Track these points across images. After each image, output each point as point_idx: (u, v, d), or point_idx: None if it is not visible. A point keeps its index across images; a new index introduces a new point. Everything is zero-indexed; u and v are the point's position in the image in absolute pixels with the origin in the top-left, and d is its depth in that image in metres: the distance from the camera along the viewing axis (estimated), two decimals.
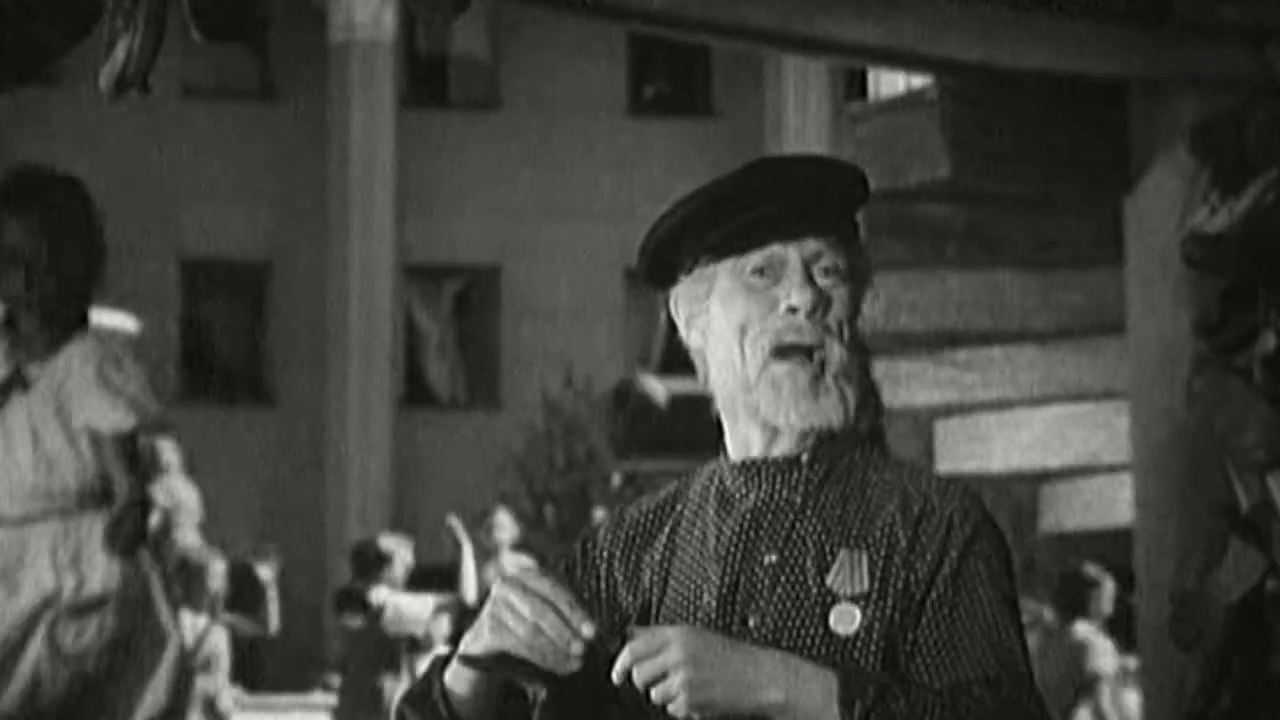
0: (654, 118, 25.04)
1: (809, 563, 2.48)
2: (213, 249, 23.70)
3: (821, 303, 2.52)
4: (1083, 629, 10.19)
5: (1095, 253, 7.18)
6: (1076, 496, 8.82)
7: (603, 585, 2.59)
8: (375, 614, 10.99)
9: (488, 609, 2.45)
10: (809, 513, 2.52)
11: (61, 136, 22.51)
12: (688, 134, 24.44)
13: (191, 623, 12.64)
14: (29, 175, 5.34)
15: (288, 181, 23.69)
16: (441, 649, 2.64)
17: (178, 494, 13.84)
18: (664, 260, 2.59)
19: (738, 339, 2.53)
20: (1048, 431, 8.17)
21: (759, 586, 2.49)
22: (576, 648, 2.38)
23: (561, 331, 23.97)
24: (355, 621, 11.15)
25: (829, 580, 2.47)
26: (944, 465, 8.21)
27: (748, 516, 2.53)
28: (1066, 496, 8.91)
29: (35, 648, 5.07)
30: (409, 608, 11.02)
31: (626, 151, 24.35)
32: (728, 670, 2.36)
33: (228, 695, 12.96)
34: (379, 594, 11.03)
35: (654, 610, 2.54)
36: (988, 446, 8.28)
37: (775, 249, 2.53)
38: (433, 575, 13.04)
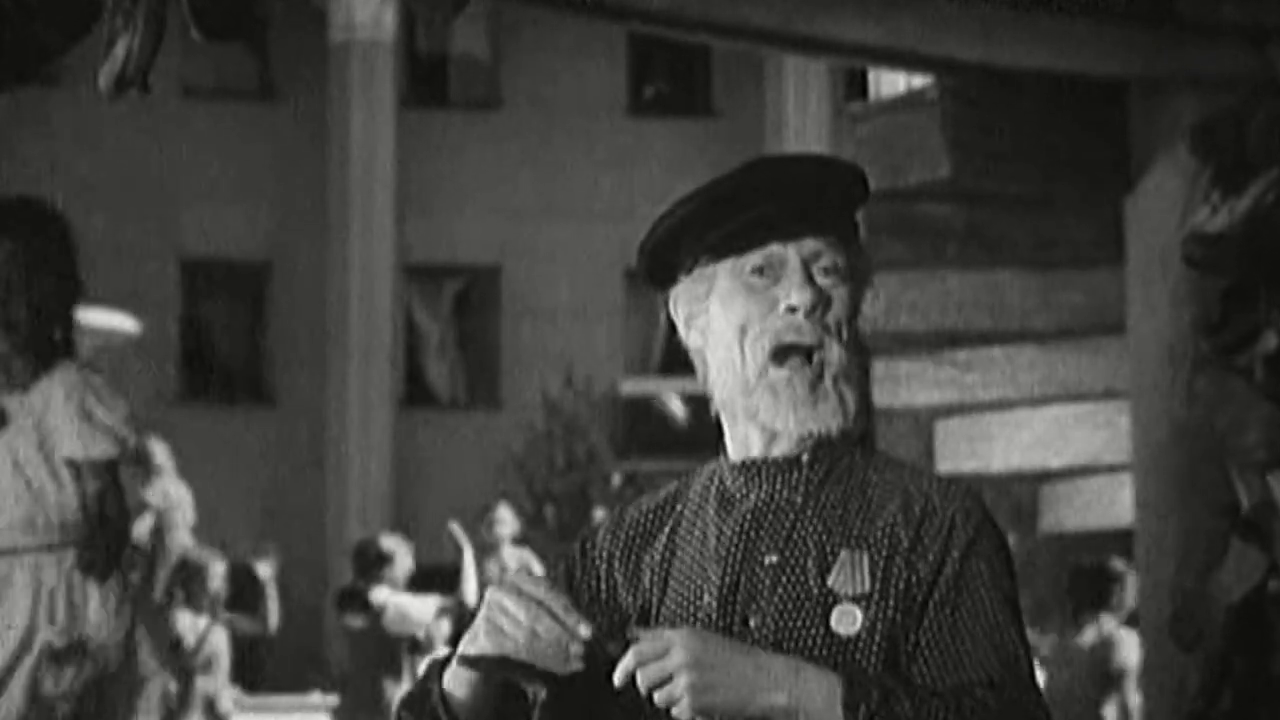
0: (654, 118, 25.03)
1: (810, 563, 2.48)
2: (213, 249, 23.70)
3: (821, 302, 2.51)
4: (1107, 624, 10.18)
5: (1095, 253, 7.18)
6: (1077, 496, 8.82)
7: (602, 586, 2.59)
8: (376, 614, 10.98)
9: (482, 613, 2.44)
10: (809, 513, 2.51)
11: (61, 136, 22.50)
12: (688, 134, 24.43)
13: (192, 623, 12.64)
14: (4, 204, 5.32)
15: (288, 181, 23.68)
16: (441, 651, 2.64)
17: (171, 495, 13.86)
18: (663, 260, 2.59)
19: (737, 339, 2.52)
20: (1048, 431, 8.17)
21: (760, 587, 2.48)
22: (575, 649, 2.38)
23: (561, 331, 23.96)
24: (356, 621, 11.15)
25: (830, 581, 2.47)
26: (944, 465, 8.21)
27: (748, 517, 2.53)
28: (1067, 496, 8.91)
29: (17, 689, 5.05)
30: (411, 608, 11.01)
31: (626, 151, 24.34)
32: (732, 674, 2.36)
33: (228, 696, 12.96)
34: (380, 594, 11.03)
35: (654, 611, 2.54)
36: (988, 446, 8.28)
37: (775, 249, 2.52)
38: (434, 575, 13.03)
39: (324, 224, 23.47)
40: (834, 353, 2.51)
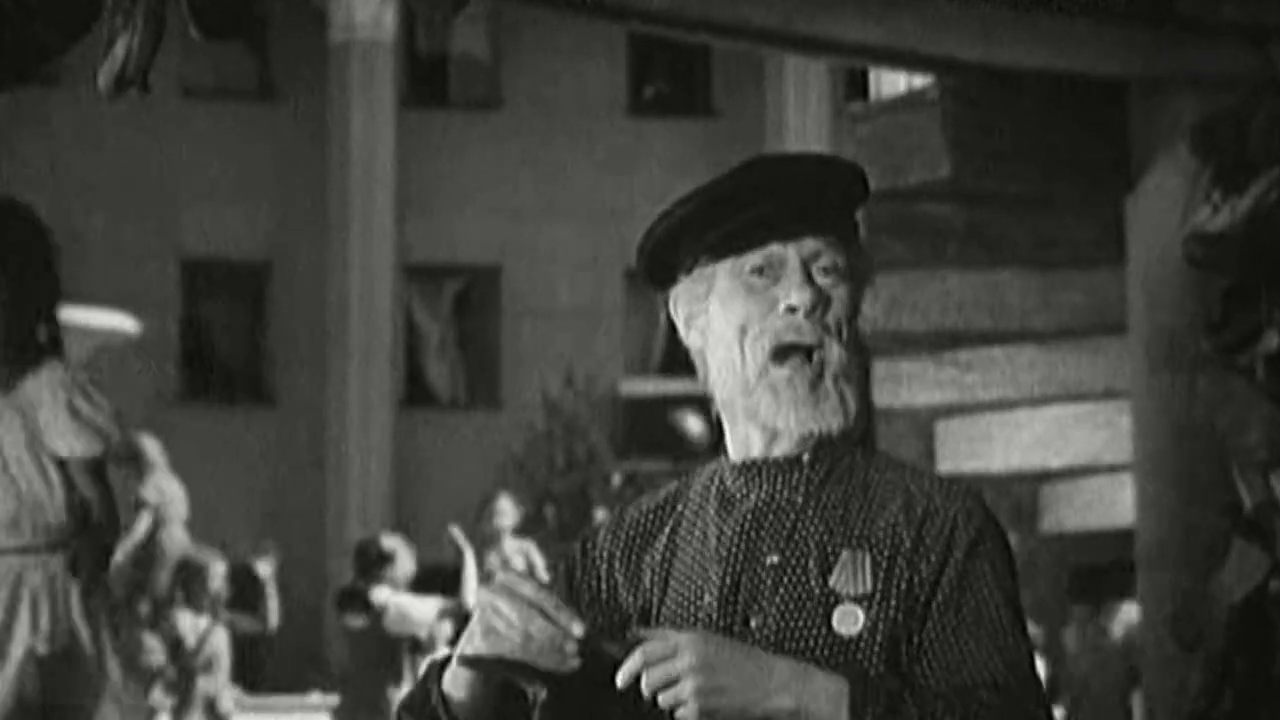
0: (654, 118, 25.03)
1: (811, 563, 2.47)
2: (213, 249, 23.69)
3: (821, 302, 2.51)
4: (1132, 613, 10.18)
5: (1096, 252, 7.18)
6: (1077, 496, 8.82)
7: (603, 586, 2.58)
8: (377, 614, 10.97)
9: (476, 615, 2.44)
10: (811, 513, 2.51)
11: (61, 136, 22.50)
12: (688, 134, 24.42)
13: (192, 624, 12.65)
14: None
15: (288, 181, 23.68)
16: (441, 652, 2.64)
17: (166, 491, 13.88)
18: (663, 261, 2.58)
19: (737, 339, 2.52)
20: (1048, 431, 8.17)
21: (761, 587, 2.48)
22: (570, 647, 2.37)
23: (561, 331, 23.96)
24: (357, 621, 11.14)
25: (831, 581, 2.46)
26: (945, 465, 8.21)
27: (749, 517, 2.52)
28: (1067, 496, 8.91)
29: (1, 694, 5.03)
30: (412, 609, 11.00)
31: (626, 151, 24.34)
32: (738, 677, 2.35)
33: (228, 696, 12.96)
34: (381, 594, 11.02)
35: (655, 611, 2.53)
36: (988, 446, 8.28)
37: (774, 248, 2.52)
38: (434, 575, 13.03)
39: (324, 224, 23.47)
40: (834, 352, 2.51)
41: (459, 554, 12.15)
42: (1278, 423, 4.91)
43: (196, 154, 23.33)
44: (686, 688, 2.34)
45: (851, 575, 2.46)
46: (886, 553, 2.47)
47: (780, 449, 2.53)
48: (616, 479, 22.09)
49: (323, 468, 23.15)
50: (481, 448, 22.59)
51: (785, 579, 2.47)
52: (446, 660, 2.52)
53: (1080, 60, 6.47)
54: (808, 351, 2.50)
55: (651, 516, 2.61)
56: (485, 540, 13.43)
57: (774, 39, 6.55)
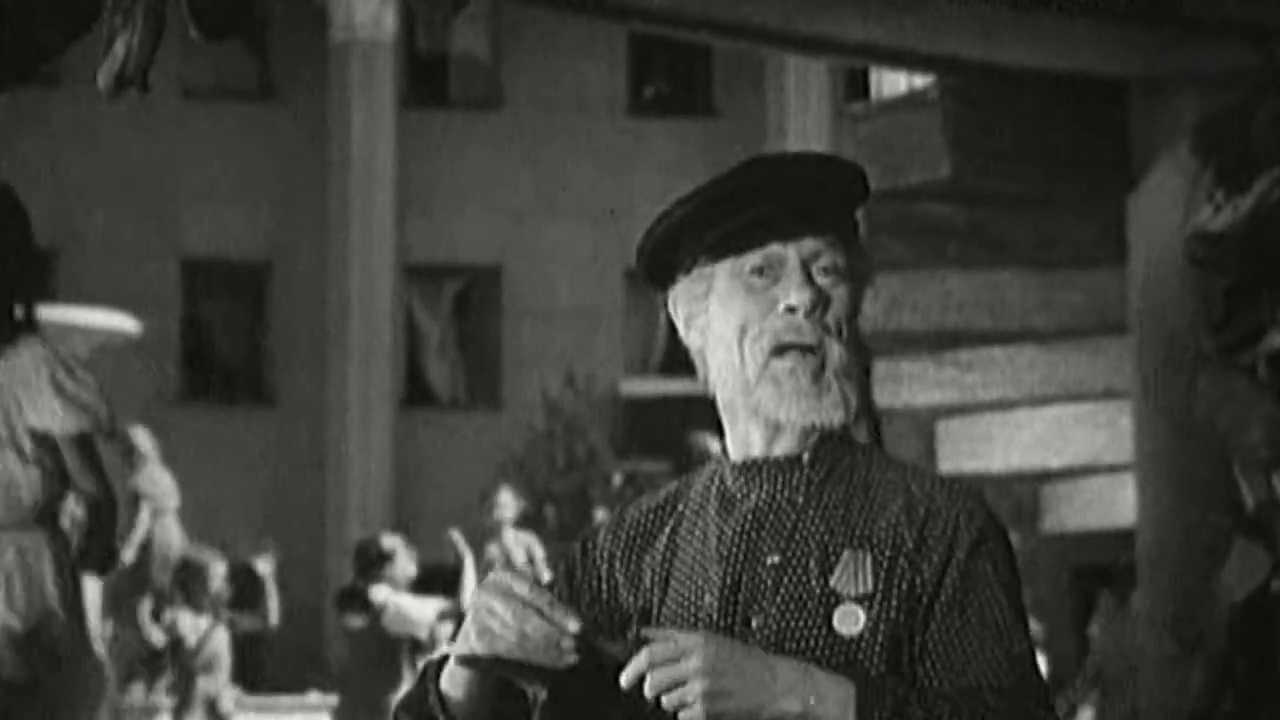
0: (654, 118, 25.03)
1: (812, 563, 2.47)
2: (213, 249, 23.70)
3: (820, 302, 2.50)
4: None
5: (1096, 252, 7.18)
6: (1078, 496, 8.82)
7: (603, 586, 2.58)
8: (376, 613, 10.97)
9: (470, 615, 2.43)
10: (811, 513, 2.50)
11: (61, 136, 22.50)
12: (688, 134, 24.42)
13: (193, 624, 12.65)
14: None
15: (288, 181, 23.68)
16: (438, 652, 2.63)
17: (159, 482, 13.90)
18: (662, 261, 2.58)
19: (737, 339, 2.51)
20: (1049, 431, 8.17)
21: (761, 587, 2.47)
22: (566, 643, 2.37)
23: (561, 331, 23.96)
24: (356, 621, 11.13)
25: (832, 581, 2.46)
26: (945, 465, 8.21)
27: (749, 517, 2.52)
28: (1068, 496, 8.91)
29: None
30: (411, 609, 11.00)
31: (626, 151, 24.34)
32: (745, 680, 2.35)
33: (229, 696, 12.96)
34: (380, 593, 11.01)
35: (655, 611, 2.53)
36: (989, 446, 8.28)
37: (774, 248, 2.51)
38: (435, 576, 13.03)
39: (324, 224, 23.47)
40: (834, 351, 2.50)
41: (459, 556, 12.15)
42: (1279, 422, 4.90)
43: (196, 154, 23.33)
44: (694, 691, 2.33)
45: (852, 575, 2.46)
46: (888, 553, 2.46)
47: (781, 447, 2.52)
48: (616, 479, 22.09)
49: (323, 468, 23.15)
50: (481, 448, 22.59)
51: (786, 579, 2.47)
52: (443, 660, 2.52)
53: (1081, 59, 6.46)
54: (809, 349, 2.50)
55: (652, 516, 2.61)
56: (486, 533, 13.45)
57: (774, 38, 6.55)
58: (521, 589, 2.40)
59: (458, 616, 10.95)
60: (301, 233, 23.59)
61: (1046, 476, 8.74)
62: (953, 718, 2.34)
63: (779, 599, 2.46)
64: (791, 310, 2.49)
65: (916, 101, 6.61)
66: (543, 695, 2.45)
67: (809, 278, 2.50)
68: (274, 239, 23.75)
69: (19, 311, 5.14)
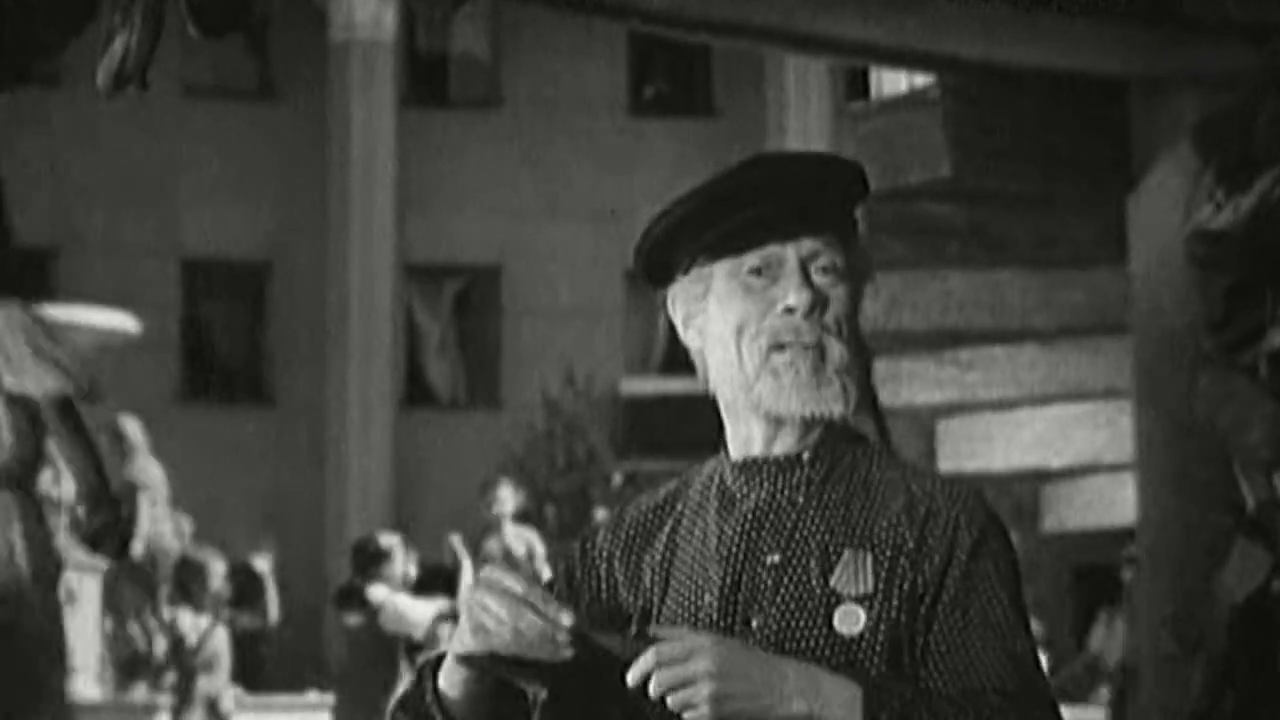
0: (654, 117, 25.03)
1: (812, 563, 2.46)
2: (213, 249, 23.69)
3: (819, 303, 2.49)
4: None
5: (1096, 251, 7.17)
6: (1078, 496, 8.82)
7: (603, 585, 2.57)
8: (374, 612, 10.96)
9: (464, 614, 2.43)
10: (812, 512, 2.50)
11: (61, 136, 22.50)
12: (688, 134, 24.42)
13: (193, 623, 12.65)
14: None
15: (288, 181, 23.68)
16: (434, 651, 2.63)
17: (150, 473, 13.92)
18: (660, 260, 2.57)
19: (734, 339, 2.51)
20: (1049, 431, 8.17)
21: (761, 587, 2.46)
22: (562, 638, 2.36)
23: (561, 331, 23.96)
24: (354, 619, 11.13)
25: (833, 581, 2.45)
26: (946, 464, 8.20)
27: (749, 516, 2.51)
28: (1068, 496, 8.91)
29: None
30: (408, 610, 10.99)
31: (627, 151, 24.34)
32: (753, 682, 2.34)
33: (229, 695, 12.97)
34: (378, 592, 11.01)
35: (655, 610, 2.52)
36: (989, 446, 8.28)
37: (772, 249, 2.50)
38: (435, 576, 13.03)
39: (324, 224, 23.47)
40: (835, 349, 2.50)
41: (457, 559, 12.16)
42: None
43: (196, 153, 23.33)
44: (702, 692, 2.33)
45: (853, 575, 2.45)
46: (888, 552, 2.46)
47: (782, 446, 2.52)
48: (616, 479, 22.10)
49: (323, 468, 23.15)
50: (481, 448, 22.59)
51: (786, 579, 2.46)
52: (440, 658, 2.51)
53: (1081, 59, 6.46)
54: (808, 346, 2.50)
55: (651, 515, 2.60)
56: (486, 528, 13.44)
57: (775, 38, 6.54)
58: (514, 585, 2.39)
59: (455, 619, 10.95)
60: (301, 233, 23.59)
61: (1047, 476, 8.74)
62: (959, 719, 2.34)
63: (779, 599, 2.45)
64: (790, 311, 2.49)
65: (917, 101, 6.61)
66: (542, 694, 2.45)
67: (807, 278, 2.50)
68: (274, 239, 23.75)
69: None
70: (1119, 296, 6.80)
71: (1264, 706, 4.86)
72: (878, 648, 2.42)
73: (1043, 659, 2.57)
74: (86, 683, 13.79)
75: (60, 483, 5.28)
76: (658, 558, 2.55)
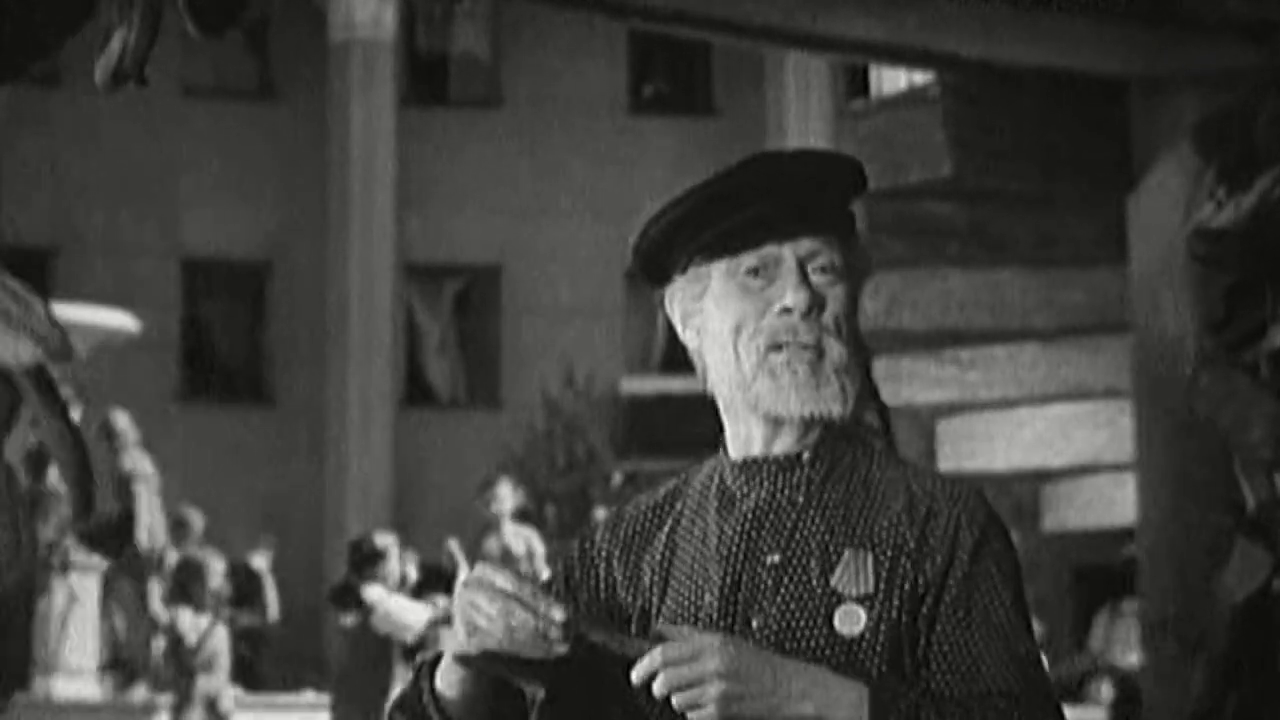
0: (655, 117, 25.03)
1: (812, 563, 2.46)
2: (213, 249, 23.69)
3: (817, 303, 2.49)
4: None
5: (1097, 251, 7.17)
6: (1079, 495, 8.81)
7: (601, 585, 2.56)
8: (368, 611, 10.95)
9: (457, 615, 2.42)
10: (812, 512, 2.49)
11: (61, 136, 22.50)
12: (688, 133, 24.42)
13: (193, 622, 12.65)
14: None
15: (288, 181, 23.68)
16: (431, 651, 2.61)
17: (138, 464, 13.94)
18: (658, 260, 2.57)
19: (732, 339, 2.50)
20: (1050, 430, 8.16)
21: (761, 587, 2.46)
22: (555, 633, 2.36)
23: (561, 331, 23.95)
24: (349, 618, 11.12)
25: (833, 581, 2.44)
26: (946, 464, 8.20)
27: (749, 516, 2.50)
28: (1069, 495, 8.90)
29: None
30: (401, 613, 10.96)
31: (627, 151, 24.34)
32: (762, 683, 2.34)
33: (229, 695, 12.97)
34: (373, 592, 10.99)
35: (654, 610, 2.51)
36: (989, 445, 8.27)
37: (770, 249, 2.50)
38: (434, 577, 13.03)
39: (324, 224, 23.47)
40: (833, 349, 2.49)
41: (455, 563, 12.15)
42: None
43: (196, 153, 23.33)
44: (710, 693, 2.32)
45: (854, 575, 2.44)
46: (889, 552, 2.45)
47: (781, 445, 2.51)
48: (616, 479, 22.09)
49: (323, 468, 23.15)
50: (481, 447, 22.58)
51: (786, 579, 2.45)
52: (437, 658, 2.51)
53: (1081, 58, 6.46)
54: (806, 346, 2.49)
55: (650, 515, 2.59)
56: (486, 526, 13.43)
57: (775, 36, 6.53)
58: (503, 582, 2.39)
59: (451, 622, 10.93)
60: (301, 232, 23.59)
61: (1047, 476, 8.73)
62: None
63: (779, 599, 2.44)
64: (787, 311, 2.48)
65: (917, 99, 6.60)
66: (541, 695, 2.44)
67: (805, 278, 2.49)
68: (274, 239, 23.74)
69: None
70: (1119, 296, 6.80)
71: (1265, 707, 4.85)
72: (878, 648, 2.41)
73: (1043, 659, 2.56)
74: (86, 683, 13.79)
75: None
76: (657, 557, 2.54)
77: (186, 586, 12.81)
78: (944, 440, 8.34)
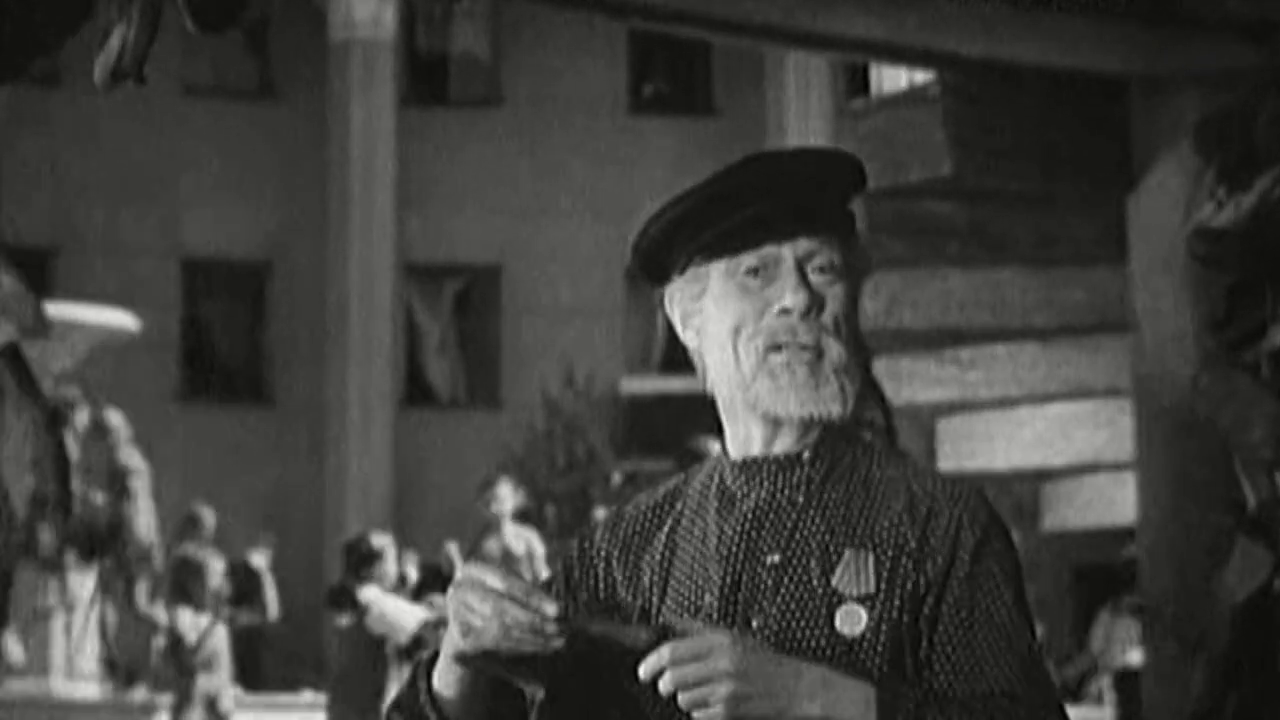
0: (654, 116, 25.02)
1: (813, 563, 2.45)
2: (213, 249, 23.68)
3: (816, 303, 2.48)
4: None
5: (1097, 250, 7.17)
6: (1079, 495, 8.82)
7: (601, 585, 2.56)
8: (364, 611, 10.94)
9: (451, 615, 2.42)
10: (812, 512, 2.49)
11: (61, 135, 22.49)
12: (688, 132, 24.41)
13: (193, 622, 12.64)
14: None
15: (288, 181, 23.67)
16: (428, 652, 2.61)
17: (131, 460, 13.94)
18: (657, 260, 2.56)
19: (732, 340, 2.49)
20: (1050, 430, 8.16)
21: (762, 587, 2.45)
22: (550, 629, 2.35)
23: (561, 331, 23.95)
24: (345, 619, 11.12)
25: (834, 581, 2.44)
26: (946, 463, 8.20)
27: (749, 516, 2.50)
28: (1069, 495, 8.91)
29: None
30: (395, 614, 10.94)
31: (627, 150, 24.33)
32: (768, 683, 2.33)
33: (228, 694, 12.96)
34: (368, 593, 10.98)
35: (654, 610, 2.51)
36: (990, 444, 8.27)
37: (769, 249, 2.49)
38: (434, 577, 13.01)
39: (324, 224, 23.46)
40: (833, 349, 2.49)
41: (453, 567, 12.13)
42: None
43: (196, 153, 23.32)
44: (719, 692, 2.31)
45: (854, 575, 2.44)
46: (890, 552, 2.44)
47: (781, 445, 2.51)
48: (616, 479, 22.08)
49: (322, 467, 23.14)
50: (481, 447, 22.57)
51: (787, 579, 2.45)
52: (435, 658, 2.50)
53: (1082, 57, 6.45)
54: (805, 347, 2.48)
55: (650, 514, 2.59)
56: (486, 526, 13.42)
57: (776, 35, 6.53)
58: (495, 580, 2.38)
59: (445, 625, 10.92)
60: (301, 232, 23.58)
61: (1047, 475, 8.74)
62: None
63: (780, 599, 2.44)
64: (786, 312, 2.47)
65: (917, 98, 6.60)
66: (540, 695, 2.44)
67: (804, 278, 2.48)
68: (274, 239, 23.74)
69: None
70: (1119, 295, 6.80)
71: (1266, 707, 4.85)
72: (879, 648, 2.40)
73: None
74: (86, 683, 13.78)
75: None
76: (657, 557, 2.54)
77: (186, 586, 12.80)
78: (944, 440, 8.34)
